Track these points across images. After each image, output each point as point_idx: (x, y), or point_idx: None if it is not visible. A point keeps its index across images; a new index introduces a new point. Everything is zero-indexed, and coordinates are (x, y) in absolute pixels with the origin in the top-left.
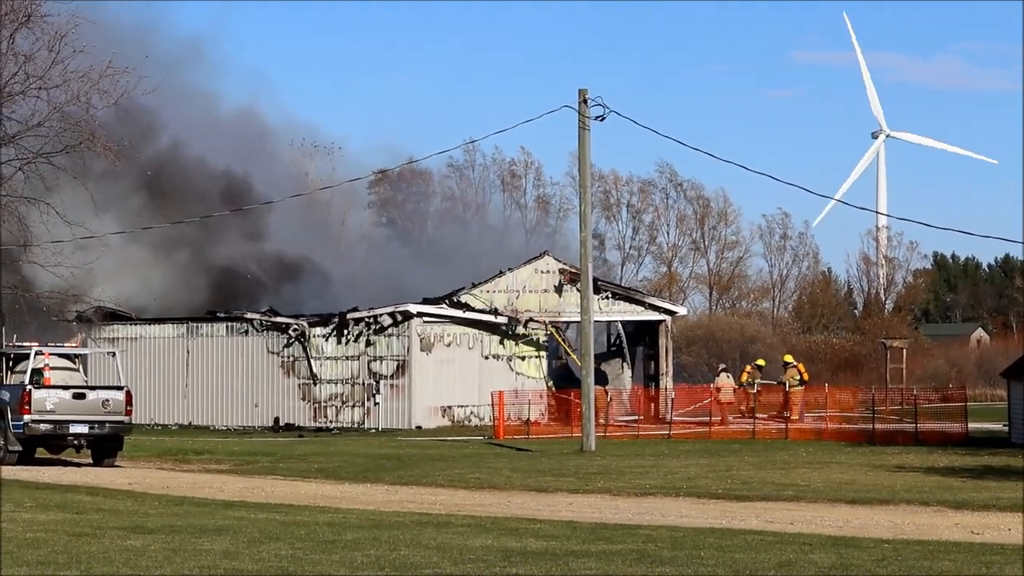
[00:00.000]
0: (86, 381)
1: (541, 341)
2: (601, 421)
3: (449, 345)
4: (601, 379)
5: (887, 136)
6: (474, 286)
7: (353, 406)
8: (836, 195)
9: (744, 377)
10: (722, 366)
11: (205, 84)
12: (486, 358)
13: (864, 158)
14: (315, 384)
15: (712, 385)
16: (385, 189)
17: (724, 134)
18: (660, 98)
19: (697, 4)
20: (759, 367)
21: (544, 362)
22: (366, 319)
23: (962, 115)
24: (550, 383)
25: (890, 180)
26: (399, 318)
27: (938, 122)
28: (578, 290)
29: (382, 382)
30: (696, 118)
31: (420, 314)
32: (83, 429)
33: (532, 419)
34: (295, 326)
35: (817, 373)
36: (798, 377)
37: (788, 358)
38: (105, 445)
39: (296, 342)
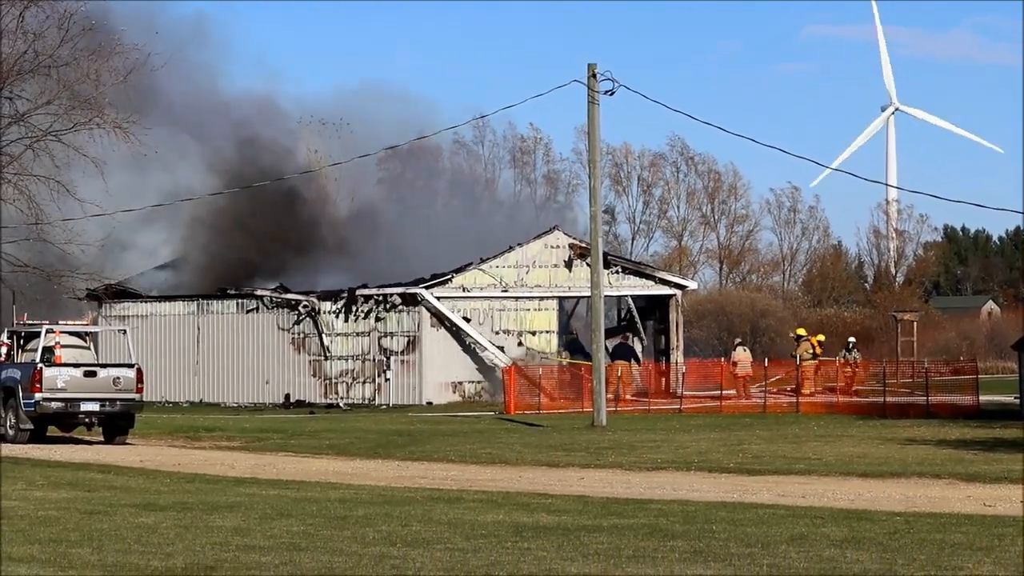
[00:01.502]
0: (97, 359)
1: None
2: (628, 396)
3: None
4: (627, 353)
5: (896, 110)
6: (483, 261)
7: (364, 382)
8: (836, 162)
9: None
10: (738, 340)
11: (210, 63)
12: (496, 333)
13: (870, 127)
14: (326, 360)
15: (730, 359)
16: (395, 165)
17: (735, 108)
18: (672, 71)
19: None
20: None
21: (555, 337)
22: (376, 297)
23: (973, 89)
24: (564, 354)
25: (900, 153)
26: (408, 298)
27: (949, 96)
28: (588, 265)
29: (392, 358)
30: (708, 92)
31: (423, 301)
32: (94, 407)
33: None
34: (305, 303)
35: (828, 346)
36: (811, 351)
37: (801, 331)
38: (116, 423)
39: (307, 318)
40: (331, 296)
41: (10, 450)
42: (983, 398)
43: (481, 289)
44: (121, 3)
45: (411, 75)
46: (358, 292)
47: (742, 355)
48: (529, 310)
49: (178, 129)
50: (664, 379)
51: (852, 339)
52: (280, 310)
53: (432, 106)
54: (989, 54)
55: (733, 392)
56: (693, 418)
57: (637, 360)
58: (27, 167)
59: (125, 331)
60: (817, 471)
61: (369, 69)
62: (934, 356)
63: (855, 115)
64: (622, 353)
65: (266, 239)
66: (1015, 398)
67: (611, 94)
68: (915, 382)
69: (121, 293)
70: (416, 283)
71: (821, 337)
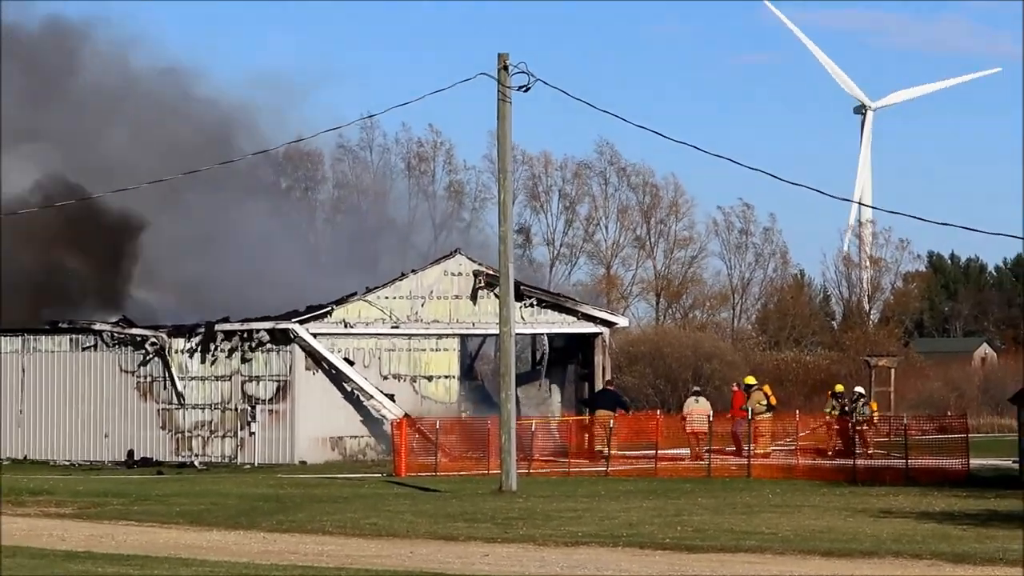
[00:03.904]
0: None
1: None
2: (613, 452)
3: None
4: (612, 401)
5: (873, 111)
6: (369, 291)
7: (223, 436)
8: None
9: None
10: (695, 388)
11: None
12: (385, 377)
13: (864, 142)
14: (178, 409)
15: (685, 411)
16: (266, 173)
17: (680, 108)
18: (602, 65)
19: None
20: (837, 395)
21: (455, 383)
22: (239, 333)
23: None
24: (464, 409)
25: (877, 164)
26: (278, 335)
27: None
28: (496, 296)
29: (259, 407)
30: (646, 89)
31: (297, 338)
32: None
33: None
34: (153, 339)
35: (787, 398)
36: (764, 402)
37: (750, 380)
38: None
39: (155, 358)
40: (185, 332)
41: None
42: (974, 461)
43: (367, 324)
44: None
45: (285, 62)
46: (217, 327)
47: (695, 407)
48: (425, 350)
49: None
50: (587, 435)
51: (859, 389)
52: (123, 348)
53: (311, 101)
54: (982, 44)
55: (679, 452)
56: (622, 482)
57: (625, 408)
58: None
59: None
60: (771, 548)
61: (239, 42)
62: (915, 410)
63: (825, 118)
64: (606, 401)
65: (101, 262)
66: (1013, 462)
67: (526, 90)
68: (892, 441)
69: None
70: (288, 316)
71: (839, 388)
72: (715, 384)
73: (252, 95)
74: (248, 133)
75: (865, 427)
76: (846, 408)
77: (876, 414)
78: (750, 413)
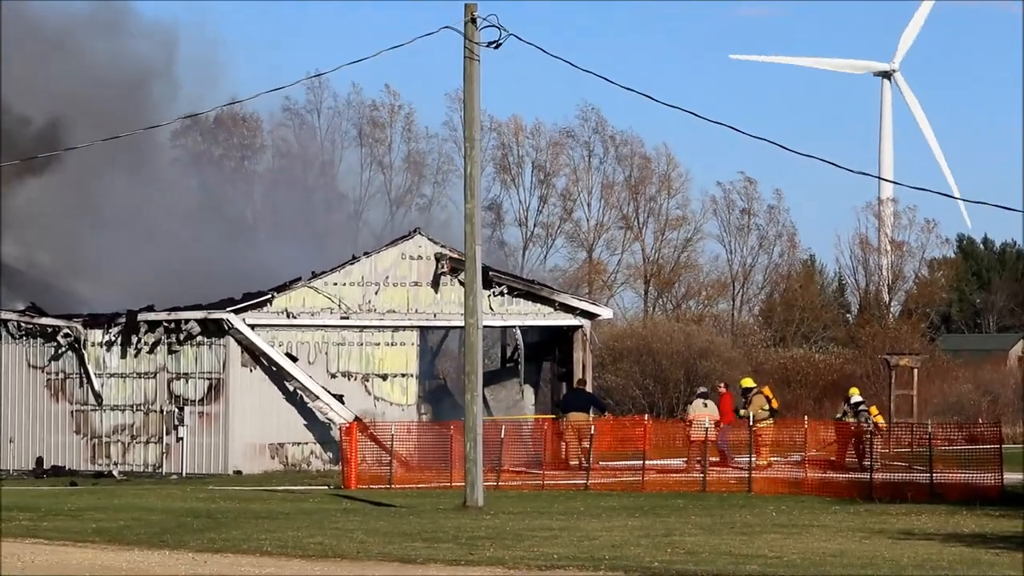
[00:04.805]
0: None
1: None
2: (598, 463)
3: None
4: (586, 402)
5: (892, 72)
6: (315, 276)
7: (147, 442)
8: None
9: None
10: (701, 389)
11: None
12: (333, 376)
13: (838, 62)
14: (94, 411)
15: (686, 415)
16: (196, 141)
17: (673, 69)
18: (584, 20)
19: None
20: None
21: (414, 383)
22: (165, 323)
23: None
24: (424, 412)
25: (898, 135)
26: (210, 326)
27: (964, 54)
28: (461, 283)
29: (187, 409)
30: (634, 48)
31: (231, 330)
32: None
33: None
34: (66, 330)
35: (795, 401)
36: (766, 407)
37: (748, 382)
38: None
39: (68, 352)
40: (103, 322)
41: None
42: (1009, 476)
43: (312, 315)
44: None
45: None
46: (140, 317)
47: (702, 411)
48: (379, 344)
49: None
50: (564, 443)
51: (859, 397)
52: (31, 340)
53: (247, 57)
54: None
55: (669, 463)
56: (604, 497)
57: (600, 410)
58: None
59: None
60: (775, 573)
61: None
62: (942, 416)
63: (840, 81)
64: (579, 402)
65: None
66: None
67: (496, 46)
68: (915, 452)
69: None
70: (222, 305)
71: (853, 392)
72: (712, 385)
73: (176, 40)
74: (169, 86)
75: (867, 436)
76: (846, 416)
77: (878, 418)
78: (751, 420)
